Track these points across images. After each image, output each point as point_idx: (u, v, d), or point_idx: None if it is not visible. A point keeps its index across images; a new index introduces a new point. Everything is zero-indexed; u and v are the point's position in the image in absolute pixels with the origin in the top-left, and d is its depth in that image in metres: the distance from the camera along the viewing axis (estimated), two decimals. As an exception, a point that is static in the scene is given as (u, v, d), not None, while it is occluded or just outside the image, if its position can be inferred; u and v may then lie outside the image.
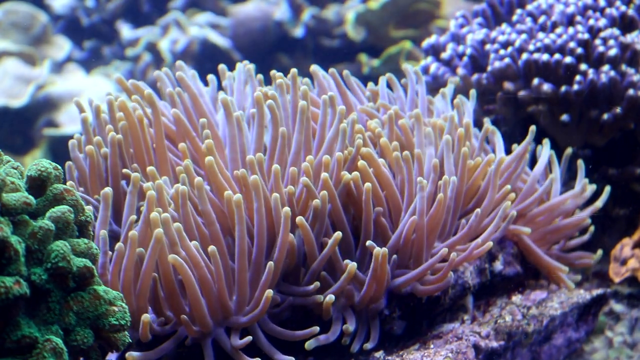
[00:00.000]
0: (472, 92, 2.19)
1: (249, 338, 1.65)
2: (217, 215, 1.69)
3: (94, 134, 1.91)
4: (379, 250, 1.70)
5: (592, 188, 2.16)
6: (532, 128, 2.09)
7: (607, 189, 2.16)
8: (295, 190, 1.74)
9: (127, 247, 1.59)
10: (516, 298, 1.99)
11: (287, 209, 1.66)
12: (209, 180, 1.74)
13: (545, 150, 2.13)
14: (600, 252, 2.19)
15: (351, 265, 1.69)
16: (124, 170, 1.83)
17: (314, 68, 2.09)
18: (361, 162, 1.79)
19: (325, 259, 1.72)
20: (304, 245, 1.73)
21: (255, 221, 1.68)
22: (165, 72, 2.07)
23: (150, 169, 1.77)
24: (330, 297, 1.70)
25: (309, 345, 1.69)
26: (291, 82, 1.92)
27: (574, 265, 2.18)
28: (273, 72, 1.96)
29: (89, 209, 1.36)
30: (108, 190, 1.70)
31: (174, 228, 1.59)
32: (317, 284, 1.71)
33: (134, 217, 1.68)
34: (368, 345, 1.74)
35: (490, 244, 1.83)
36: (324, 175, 1.73)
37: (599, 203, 2.15)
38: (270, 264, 1.64)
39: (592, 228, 2.19)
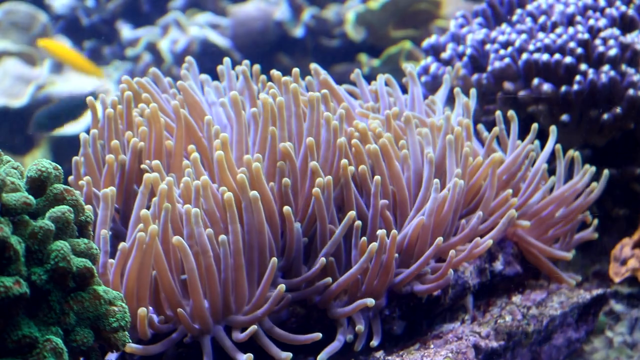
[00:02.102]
0: (473, 92, 2.18)
1: (253, 327, 1.64)
2: (221, 215, 1.69)
3: (102, 132, 1.91)
4: (383, 232, 1.70)
5: (594, 177, 2.15)
6: (534, 126, 2.08)
7: (606, 172, 2.14)
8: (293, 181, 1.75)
9: (134, 248, 1.59)
10: (516, 298, 1.99)
11: (253, 194, 1.65)
12: (218, 178, 1.74)
13: (550, 142, 2.10)
14: (595, 234, 2.19)
15: (372, 245, 1.69)
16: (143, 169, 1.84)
17: (315, 66, 2.09)
18: (374, 147, 1.81)
19: (339, 238, 1.72)
20: (304, 237, 1.74)
21: (245, 220, 1.67)
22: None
23: (155, 163, 1.76)
24: (370, 301, 1.69)
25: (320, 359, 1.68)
26: (293, 81, 1.93)
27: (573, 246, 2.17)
28: (273, 71, 1.97)
29: (89, 209, 1.36)
30: (108, 190, 1.70)
31: (192, 215, 1.60)
32: (322, 260, 1.70)
33: (147, 221, 1.67)
34: (374, 343, 1.74)
35: (490, 242, 1.84)
36: (344, 161, 1.75)
37: (597, 186, 2.14)
38: (274, 260, 1.64)
39: (595, 221, 2.18)
